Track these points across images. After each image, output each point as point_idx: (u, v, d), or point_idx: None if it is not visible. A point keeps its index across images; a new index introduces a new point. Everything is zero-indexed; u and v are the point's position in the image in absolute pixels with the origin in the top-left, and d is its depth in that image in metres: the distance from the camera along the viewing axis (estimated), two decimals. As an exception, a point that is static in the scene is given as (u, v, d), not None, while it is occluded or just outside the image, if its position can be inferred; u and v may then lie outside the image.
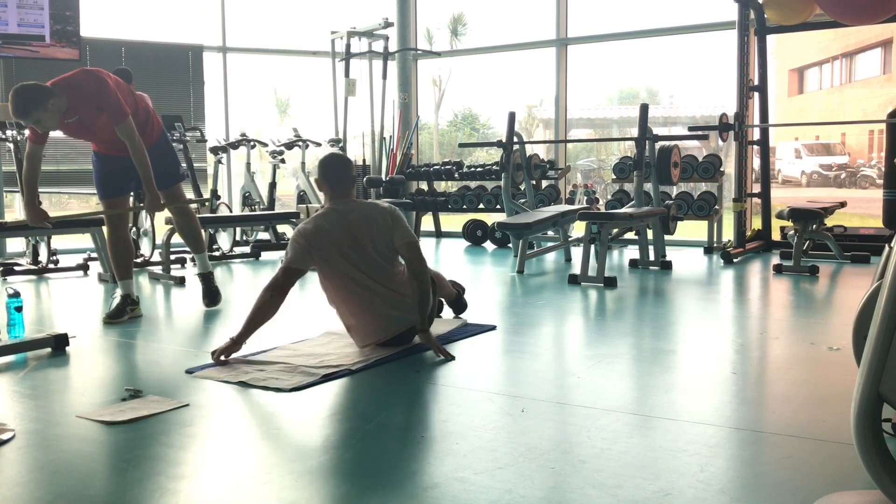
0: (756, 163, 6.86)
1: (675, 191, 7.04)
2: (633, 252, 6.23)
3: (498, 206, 7.31)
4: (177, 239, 5.55)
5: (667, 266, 5.55)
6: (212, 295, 4.15)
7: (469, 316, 3.69)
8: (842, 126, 16.01)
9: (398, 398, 2.47)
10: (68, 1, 6.86)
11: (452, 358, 2.94)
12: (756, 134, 6.68)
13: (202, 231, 4.34)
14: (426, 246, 7.59)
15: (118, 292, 3.90)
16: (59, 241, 6.14)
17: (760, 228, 6.63)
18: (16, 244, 6.80)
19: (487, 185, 7.86)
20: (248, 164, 7.40)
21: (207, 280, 4.17)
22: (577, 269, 5.10)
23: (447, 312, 3.70)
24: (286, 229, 6.95)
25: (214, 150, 7.18)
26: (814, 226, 5.56)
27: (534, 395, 2.46)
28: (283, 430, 2.20)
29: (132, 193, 4.53)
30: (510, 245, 6.97)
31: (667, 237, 5.88)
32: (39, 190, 5.88)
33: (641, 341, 3.31)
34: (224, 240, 6.56)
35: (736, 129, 6.09)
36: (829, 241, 5.71)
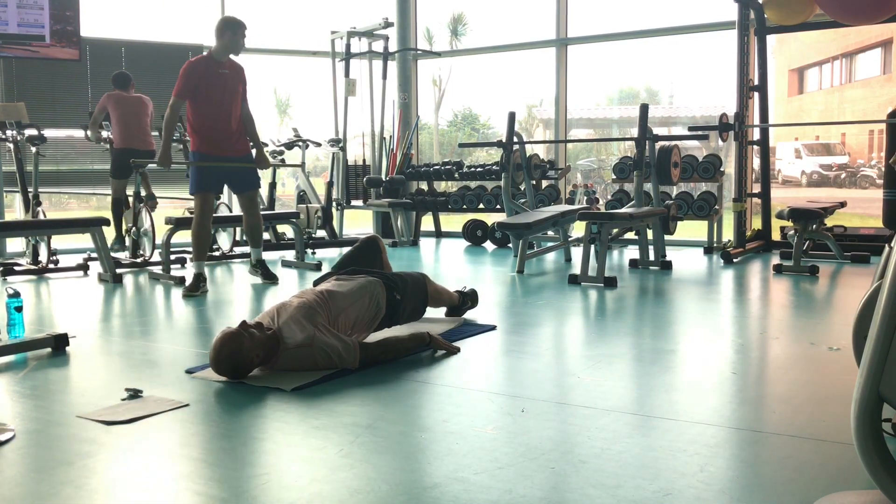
0: (756, 163, 6.86)
1: (675, 191, 7.04)
2: (633, 252, 6.23)
3: (498, 206, 7.31)
4: (176, 239, 5.58)
5: (667, 266, 5.55)
6: (270, 276, 5.03)
7: (469, 316, 3.69)
8: (842, 126, 16.02)
9: (398, 398, 2.47)
10: (68, 1, 6.86)
11: (458, 350, 3.01)
12: (756, 134, 6.68)
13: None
14: (426, 246, 7.59)
15: (192, 270, 4.81)
16: (59, 241, 6.15)
17: (760, 228, 6.64)
18: (16, 244, 6.80)
19: (487, 185, 7.86)
20: (248, 164, 7.39)
21: (264, 265, 5.07)
22: (577, 269, 5.10)
23: (441, 311, 3.70)
24: (286, 229, 6.95)
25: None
26: (814, 226, 5.56)
27: (534, 395, 2.46)
28: (283, 430, 2.20)
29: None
30: (510, 245, 6.97)
31: (667, 237, 5.88)
32: (40, 190, 5.94)
33: (641, 341, 3.31)
34: (224, 240, 6.56)
35: (736, 129, 6.09)
36: (829, 241, 5.71)
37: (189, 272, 5.33)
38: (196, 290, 4.56)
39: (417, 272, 3.48)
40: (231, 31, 4.56)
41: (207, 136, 4.61)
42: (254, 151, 4.86)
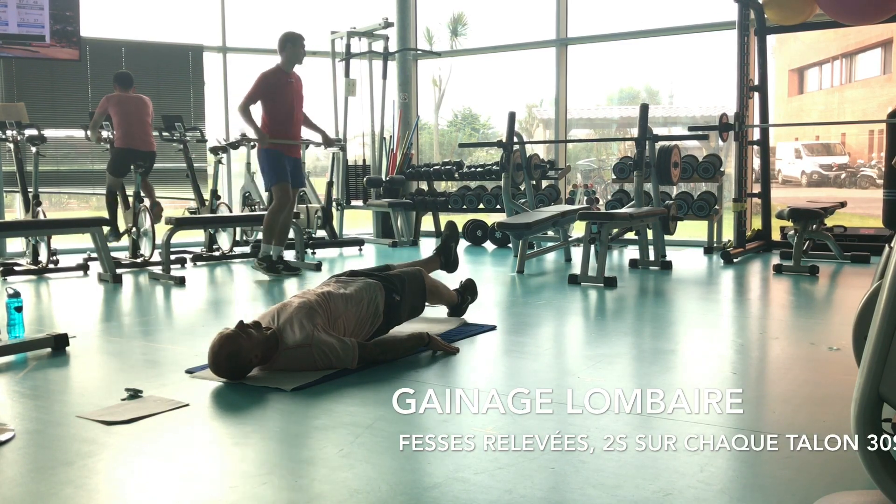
0: (756, 163, 6.86)
1: (675, 191, 7.04)
2: (633, 252, 6.23)
3: (498, 206, 7.30)
4: (176, 239, 5.57)
5: (667, 266, 5.55)
6: (274, 270, 5.26)
7: (469, 316, 3.69)
8: (842, 126, 16.00)
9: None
10: (68, 1, 6.85)
11: (457, 350, 2.98)
12: (756, 134, 6.67)
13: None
14: (427, 246, 7.59)
15: (272, 254, 5.21)
16: (59, 242, 6.14)
17: (760, 228, 6.63)
18: (16, 244, 6.80)
19: (487, 185, 7.86)
20: (248, 163, 7.38)
21: (283, 262, 5.36)
22: (577, 269, 5.10)
23: (442, 311, 3.70)
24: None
25: (214, 150, 7.17)
26: (814, 226, 5.55)
27: (534, 394, 2.46)
28: (283, 430, 2.20)
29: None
30: (510, 245, 6.97)
31: (667, 237, 5.87)
32: (40, 190, 5.95)
33: (641, 341, 3.31)
34: (224, 240, 6.56)
35: (736, 129, 6.09)
36: (829, 241, 5.70)
37: (189, 273, 5.31)
38: (277, 271, 5.17)
39: (415, 268, 3.46)
40: (291, 43, 5.20)
41: (280, 134, 5.17)
42: (319, 136, 5.68)
